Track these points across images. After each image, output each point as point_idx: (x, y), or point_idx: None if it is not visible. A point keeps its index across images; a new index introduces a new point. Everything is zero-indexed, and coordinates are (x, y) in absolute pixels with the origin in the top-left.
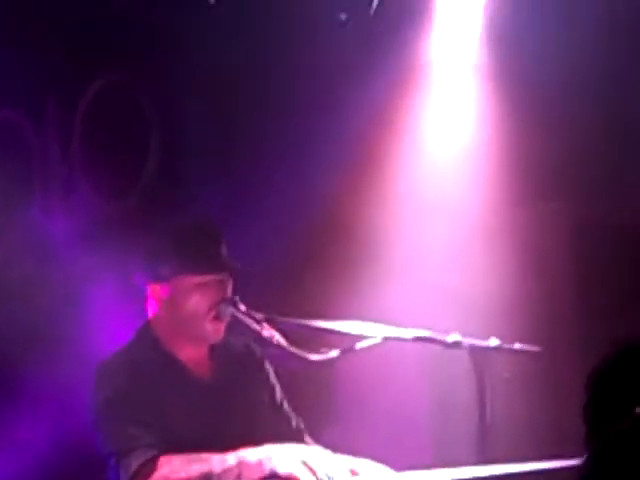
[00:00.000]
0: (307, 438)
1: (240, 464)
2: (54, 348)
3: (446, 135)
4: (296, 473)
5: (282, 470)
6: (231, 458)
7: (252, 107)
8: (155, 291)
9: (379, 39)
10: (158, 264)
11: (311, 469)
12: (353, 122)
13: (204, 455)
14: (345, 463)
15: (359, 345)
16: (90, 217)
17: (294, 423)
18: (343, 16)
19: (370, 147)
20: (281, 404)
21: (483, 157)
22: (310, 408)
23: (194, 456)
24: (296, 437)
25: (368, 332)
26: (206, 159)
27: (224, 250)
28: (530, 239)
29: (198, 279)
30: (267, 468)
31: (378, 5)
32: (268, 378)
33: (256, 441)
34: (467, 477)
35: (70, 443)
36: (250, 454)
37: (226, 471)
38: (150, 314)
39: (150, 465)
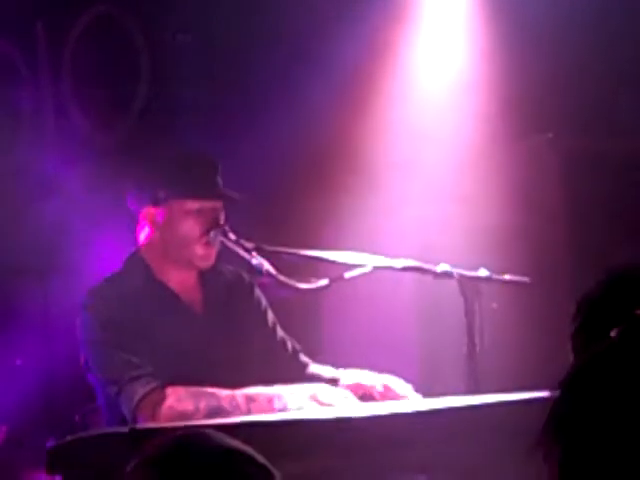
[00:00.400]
0: (303, 358)
1: (249, 401)
2: (45, 276)
3: (438, 66)
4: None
5: (294, 407)
6: (240, 395)
7: (242, 36)
8: (149, 215)
9: None
10: (156, 187)
11: (322, 404)
12: (344, 51)
13: (212, 390)
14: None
15: (348, 274)
16: (82, 145)
17: (289, 345)
18: None
19: (362, 77)
20: (274, 328)
21: (475, 89)
22: (298, 337)
23: (202, 389)
24: (291, 358)
25: (358, 261)
26: (197, 87)
27: (220, 180)
28: (522, 170)
29: (195, 204)
30: (278, 406)
31: None
32: (259, 304)
33: (249, 367)
34: (455, 406)
35: (61, 371)
36: (260, 392)
37: (234, 408)
38: (141, 240)
39: (156, 394)
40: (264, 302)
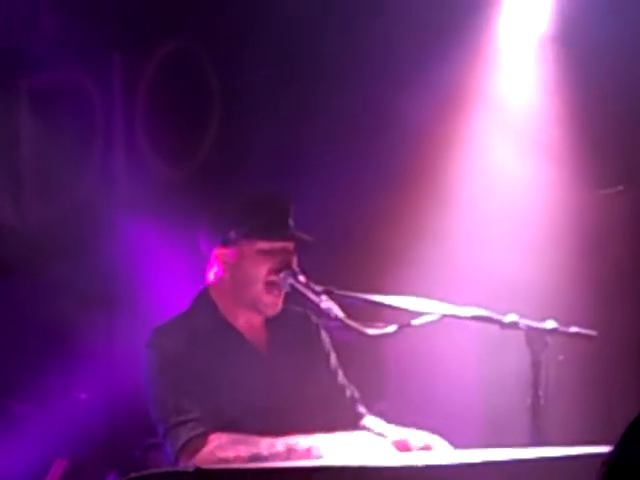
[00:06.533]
0: (361, 408)
1: (289, 450)
2: (111, 310)
3: (512, 116)
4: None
5: (332, 457)
6: (280, 443)
7: (313, 78)
8: (220, 255)
9: (445, 14)
10: (227, 227)
11: (359, 457)
12: (416, 101)
13: (253, 437)
14: (395, 438)
15: (416, 321)
16: (150, 179)
17: (348, 393)
18: None
19: (432, 126)
20: (336, 373)
21: (547, 137)
22: (361, 381)
23: (243, 437)
24: (349, 406)
25: (426, 308)
26: (269, 126)
27: (292, 222)
28: (592, 221)
29: (265, 245)
30: (316, 456)
31: None
32: (324, 347)
33: (310, 411)
34: (516, 458)
35: (124, 405)
36: (299, 441)
37: (274, 455)
38: (211, 279)
39: (198, 440)
40: (328, 345)
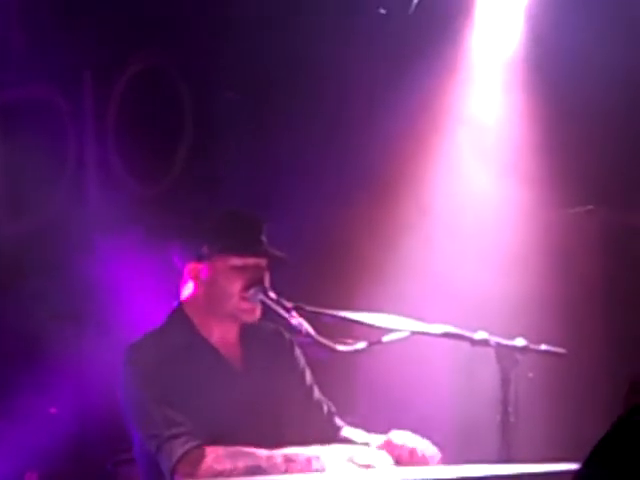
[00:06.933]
0: (338, 421)
1: (287, 462)
2: (81, 325)
3: (483, 135)
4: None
5: (331, 469)
6: (278, 455)
7: (286, 95)
8: (194, 271)
9: (419, 33)
10: (200, 244)
11: (361, 466)
12: (389, 117)
13: (250, 449)
14: (379, 442)
15: (386, 338)
16: (123, 197)
17: (325, 407)
18: (383, 10)
19: (404, 144)
20: (311, 388)
21: (518, 158)
22: (331, 396)
23: (240, 449)
24: (327, 421)
25: (396, 326)
26: (240, 146)
27: (264, 238)
28: (562, 240)
29: (238, 261)
30: (316, 467)
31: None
32: (298, 363)
33: (286, 427)
34: (486, 475)
35: (94, 420)
36: (298, 452)
37: (273, 467)
38: (185, 295)
39: (195, 453)
40: (302, 361)
